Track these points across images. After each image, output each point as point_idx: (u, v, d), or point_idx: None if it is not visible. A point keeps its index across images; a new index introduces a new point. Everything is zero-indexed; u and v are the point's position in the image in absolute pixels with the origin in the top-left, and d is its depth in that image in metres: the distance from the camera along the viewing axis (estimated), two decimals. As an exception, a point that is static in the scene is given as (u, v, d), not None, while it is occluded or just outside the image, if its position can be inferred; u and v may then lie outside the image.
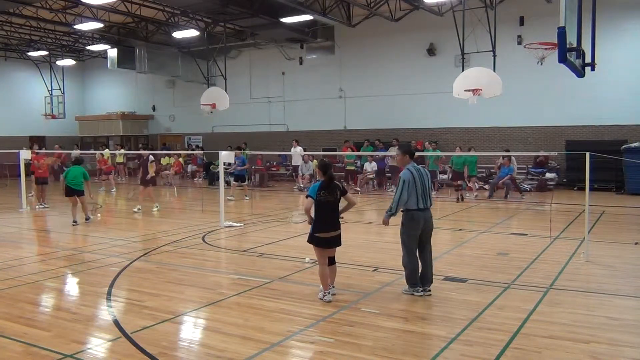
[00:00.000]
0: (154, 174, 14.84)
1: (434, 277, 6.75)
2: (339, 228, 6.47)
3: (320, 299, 6.40)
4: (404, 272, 6.70)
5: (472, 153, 16.77)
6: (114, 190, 20.42)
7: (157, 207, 14.81)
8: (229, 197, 16.73)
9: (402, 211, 6.56)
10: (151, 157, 14.82)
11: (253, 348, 5.01)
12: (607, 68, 15.85)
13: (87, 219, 13.07)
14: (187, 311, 6.17)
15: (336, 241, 6.47)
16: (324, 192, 6.33)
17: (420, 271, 6.63)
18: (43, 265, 8.52)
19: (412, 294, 6.53)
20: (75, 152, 18.61)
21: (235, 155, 16.56)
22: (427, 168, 18.37)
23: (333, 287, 6.54)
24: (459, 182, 16.56)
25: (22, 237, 11.32)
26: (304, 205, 6.56)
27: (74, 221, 12.62)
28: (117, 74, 29.91)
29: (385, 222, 6.56)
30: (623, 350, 4.94)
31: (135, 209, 14.63)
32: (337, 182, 6.56)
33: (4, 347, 5.11)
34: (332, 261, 6.55)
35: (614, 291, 6.74)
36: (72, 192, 12.90)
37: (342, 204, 6.54)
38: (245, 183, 18.03)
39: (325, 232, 6.35)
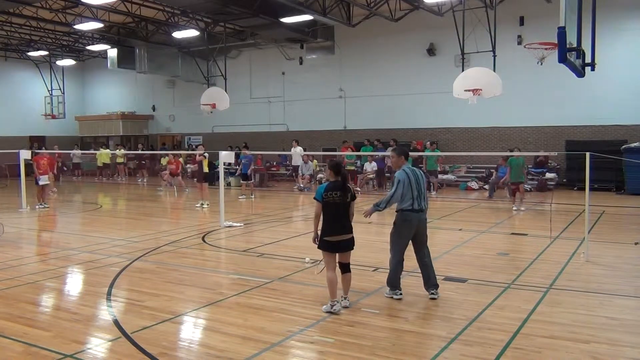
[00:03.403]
0: (207, 170, 15.60)
1: (433, 277, 6.73)
2: (351, 232, 6.10)
3: (328, 311, 5.91)
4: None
5: (517, 154, 14.63)
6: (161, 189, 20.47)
7: (207, 204, 15.11)
8: (246, 197, 17.16)
9: (396, 211, 6.44)
10: (205, 154, 15.44)
11: (253, 348, 5.01)
12: (607, 68, 15.85)
13: None
14: (187, 311, 6.17)
15: (347, 245, 6.08)
16: (332, 193, 6.02)
17: (422, 276, 6.58)
18: (43, 265, 8.52)
19: (392, 297, 6.44)
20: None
21: (243, 154, 16.91)
22: (425, 168, 18.42)
23: (346, 298, 6.13)
24: None
25: (22, 237, 11.32)
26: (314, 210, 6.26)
27: None
28: (117, 74, 29.92)
29: (368, 214, 6.41)
30: (623, 350, 4.94)
31: (198, 205, 15.18)
32: (348, 185, 6.23)
33: (4, 347, 5.11)
34: (346, 268, 6.14)
35: (614, 291, 6.74)
36: None
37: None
38: (248, 181, 18.19)
39: (333, 235, 6.03)
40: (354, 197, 6.20)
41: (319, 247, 6.15)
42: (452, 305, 6.21)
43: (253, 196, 17.12)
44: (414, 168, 6.62)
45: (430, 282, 6.52)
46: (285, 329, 5.50)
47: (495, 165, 17.85)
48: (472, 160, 21.20)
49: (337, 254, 6.14)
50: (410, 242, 6.50)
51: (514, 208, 14.39)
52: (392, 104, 22.74)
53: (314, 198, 6.16)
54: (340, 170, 6.15)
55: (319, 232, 6.11)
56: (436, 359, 4.76)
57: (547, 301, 6.33)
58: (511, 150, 16.78)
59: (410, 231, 6.39)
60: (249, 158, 18.07)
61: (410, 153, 19.31)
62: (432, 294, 6.48)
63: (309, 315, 5.90)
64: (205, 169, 15.57)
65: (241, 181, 18.21)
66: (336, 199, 6.03)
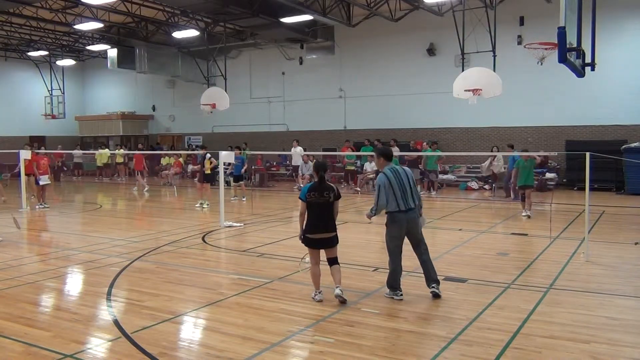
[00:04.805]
0: (209, 171, 15.64)
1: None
2: (333, 230, 6.35)
3: (312, 298, 6.39)
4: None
5: (527, 153, 13.47)
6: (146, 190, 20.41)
7: (207, 204, 15.10)
8: (232, 198, 17.02)
9: (385, 213, 6.47)
10: (208, 155, 15.49)
11: (253, 348, 5.00)
12: (607, 68, 15.87)
13: None
14: (187, 311, 6.17)
15: (329, 242, 6.34)
16: (314, 194, 6.25)
17: (423, 273, 6.58)
18: (43, 265, 8.52)
19: (392, 297, 6.45)
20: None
21: (235, 155, 16.82)
22: (425, 167, 18.43)
23: (339, 287, 6.27)
24: None
25: (22, 237, 11.32)
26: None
27: None
28: (117, 74, 29.92)
29: (368, 216, 6.54)
30: (623, 350, 4.94)
31: (198, 205, 15.23)
32: (332, 185, 6.43)
33: (4, 347, 5.11)
34: (333, 261, 6.40)
35: (614, 291, 6.74)
36: None
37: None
38: (242, 182, 18.04)
39: (315, 233, 6.29)
40: (337, 197, 6.37)
41: (303, 243, 6.45)
42: (452, 305, 6.21)
43: (244, 198, 16.97)
44: (397, 167, 6.58)
45: (430, 277, 6.53)
46: (285, 329, 5.50)
47: (490, 160, 18.00)
48: (472, 160, 21.19)
49: (323, 250, 6.42)
50: (408, 241, 6.52)
51: (523, 214, 13.03)
52: (392, 104, 22.73)
53: (299, 197, 6.39)
54: (318, 172, 6.36)
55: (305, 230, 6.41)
56: (436, 359, 4.76)
57: (547, 301, 6.33)
58: (502, 149, 16.86)
59: (400, 231, 6.41)
60: (240, 159, 18.01)
61: (410, 153, 19.45)
62: (433, 287, 6.47)
63: (309, 315, 5.90)
64: (208, 170, 15.61)
65: (232, 182, 18.06)
66: (318, 199, 6.25)
